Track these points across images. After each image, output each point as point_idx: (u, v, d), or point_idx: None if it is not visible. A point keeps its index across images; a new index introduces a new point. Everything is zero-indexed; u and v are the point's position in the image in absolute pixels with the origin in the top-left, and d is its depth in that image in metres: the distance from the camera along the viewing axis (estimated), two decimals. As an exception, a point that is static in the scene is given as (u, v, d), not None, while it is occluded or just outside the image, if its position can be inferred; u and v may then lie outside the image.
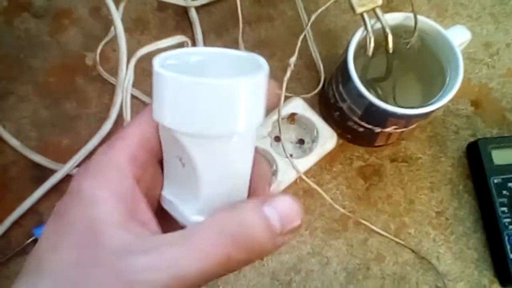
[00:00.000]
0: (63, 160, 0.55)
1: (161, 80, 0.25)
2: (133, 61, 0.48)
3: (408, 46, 0.49)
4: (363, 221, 0.55)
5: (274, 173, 0.53)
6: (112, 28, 0.59)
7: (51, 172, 0.55)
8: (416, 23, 0.48)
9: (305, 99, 0.56)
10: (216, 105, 0.24)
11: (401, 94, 0.51)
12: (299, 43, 0.50)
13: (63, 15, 0.62)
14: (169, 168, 0.29)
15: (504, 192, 0.53)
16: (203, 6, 0.62)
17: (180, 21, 0.62)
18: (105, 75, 0.58)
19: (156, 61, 0.26)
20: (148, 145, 0.28)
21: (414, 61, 0.51)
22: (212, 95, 0.24)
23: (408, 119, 0.50)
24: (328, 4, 0.51)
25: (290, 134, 0.56)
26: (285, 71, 0.55)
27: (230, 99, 0.25)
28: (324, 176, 0.57)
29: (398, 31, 0.49)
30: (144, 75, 0.59)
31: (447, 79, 0.49)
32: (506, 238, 0.52)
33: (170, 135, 0.26)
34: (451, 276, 0.54)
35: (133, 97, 0.58)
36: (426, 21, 0.49)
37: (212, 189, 0.27)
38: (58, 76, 0.59)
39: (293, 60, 0.49)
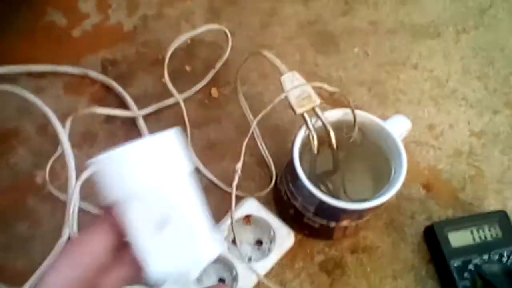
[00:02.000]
0: (19, 284, 0.53)
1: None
2: (77, 186, 0.48)
3: (351, 140, 0.50)
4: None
5: (235, 278, 0.52)
6: (60, 145, 0.58)
7: (6, 299, 0.53)
8: (355, 118, 0.49)
9: (260, 198, 0.56)
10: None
11: (351, 186, 0.51)
12: (244, 146, 0.50)
13: (10, 135, 0.61)
14: (148, 240, 0.31)
15: (465, 274, 0.53)
16: (150, 114, 0.63)
17: (128, 131, 0.62)
18: (56, 192, 0.58)
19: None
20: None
21: (359, 153, 0.52)
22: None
23: (360, 212, 0.50)
24: (272, 105, 0.52)
25: (247, 236, 0.56)
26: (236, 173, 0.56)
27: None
28: (286, 275, 0.56)
29: (339, 126, 0.50)
30: (96, 188, 0.59)
31: (393, 169, 0.50)
32: (473, 321, 0.52)
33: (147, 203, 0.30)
34: None
35: (84, 211, 0.57)
36: (364, 115, 0.50)
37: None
38: (9, 197, 0.58)
39: (239, 166, 0.49)
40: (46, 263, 0.54)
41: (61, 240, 0.55)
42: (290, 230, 0.55)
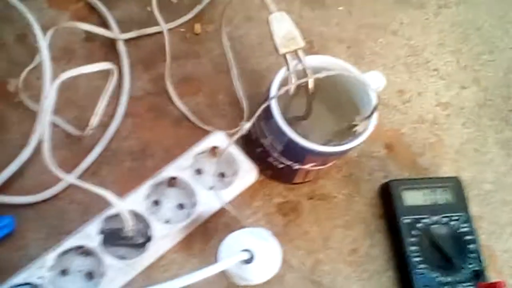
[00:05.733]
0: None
1: None
2: (56, 84, 0.47)
3: (326, 88, 0.52)
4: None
5: (194, 204, 0.54)
6: (38, 56, 0.58)
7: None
8: (331, 66, 0.51)
9: (229, 135, 0.57)
10: None
11: (319, 134, 0.53)
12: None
13: (-13, 40, 0.61)
14: None
15: (414, 232, 0.56)
16: (131, 39, 0.63)
17: (107, 52, 0.62)
18: (28, 102, 0.57)
19: None
20: None
21: (333, 102, 0.54)
22: None
23: (325, 156, 0.52)
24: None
25: (211, 168, 0.57)
26: (210, 107, 0.57)
27: None
28: (244, 211, 0.57)
29: (318, 72, 0.51)
30: (67, 103, 0.59)
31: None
32: (415, 277, 0.55)
33: None
34: (363, 313, 0.56)
35: (54, 125, 0.57)
36: (344, 65, 0.52)
37: None
38: (-22, 101, 0.58)
39: (247, 126, 0.50)
40: (9, 168, 0.54)
41: (27, 148, 0.55)
42: (254, 166, 0.56)
